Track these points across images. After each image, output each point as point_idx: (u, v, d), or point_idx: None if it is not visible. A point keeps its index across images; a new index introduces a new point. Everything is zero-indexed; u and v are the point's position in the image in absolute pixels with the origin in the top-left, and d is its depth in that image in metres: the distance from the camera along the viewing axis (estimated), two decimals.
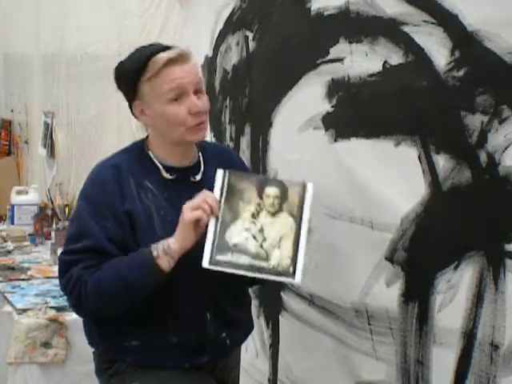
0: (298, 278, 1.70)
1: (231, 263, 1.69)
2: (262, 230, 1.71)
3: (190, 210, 1.72)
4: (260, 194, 1.72)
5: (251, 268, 1.70)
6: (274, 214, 1.72)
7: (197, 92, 1.84)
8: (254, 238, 1.71)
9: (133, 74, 1.84)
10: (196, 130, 1.84)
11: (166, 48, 1.85)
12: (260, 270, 1.70)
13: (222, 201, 1.71)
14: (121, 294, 1.77)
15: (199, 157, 1.95)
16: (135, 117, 1.91)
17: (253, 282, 2.06)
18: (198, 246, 1.77)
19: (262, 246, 1.70)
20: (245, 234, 1.70)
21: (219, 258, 1.69)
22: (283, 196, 1.73)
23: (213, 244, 1.71)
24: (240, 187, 1.70)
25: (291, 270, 1.70)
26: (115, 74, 1.90)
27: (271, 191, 1.72)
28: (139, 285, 1.76)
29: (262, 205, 1.71)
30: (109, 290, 1.76)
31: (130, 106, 1.90)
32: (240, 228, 1.71)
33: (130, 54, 1.90)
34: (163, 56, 1.81)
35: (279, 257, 1.70)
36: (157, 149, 1.90)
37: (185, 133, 1.83)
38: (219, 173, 1.70)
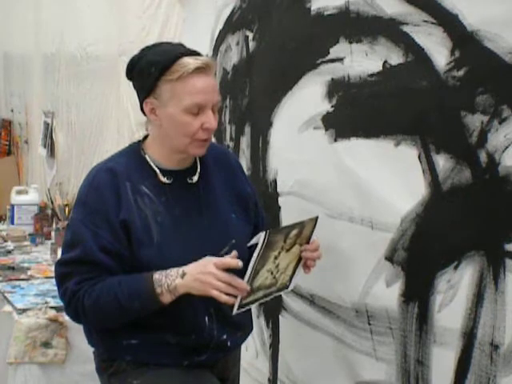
0: (291, 287, 1.90)
1: (252, 301, 1.79)
2: (278, 265, 1.79)
3: (213, 287, 1.68)
4: (285, 240, 1.76)
5: (265, 296, 1.83)
6: (289, 250, 1.79)
7: (214, 110, 1.81)
8: (271, 273, 1.78)
9: (156, 69, 1.76)
10: (199, 146, 1.82)
11: (193, 52, 1.81)
12: (270, 294, 1.84)
13: (259, 258, 1.72)
14: (119, 318, 1.79)
15: (196, 160, 1.93)
16: (143, 112, 1.86)
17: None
18: (198, 249, 1.78)
19: (274, 277, 1.80)
20: (266, 275, 1.77)
21: (244, 301, 1.75)
22: (300, 233, 1.79)
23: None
24: (274, 240, 1.72)
25: (288, 283, 1.88)
26: (131, 63, 1.84)
27: (293, 233, 1.77)
28: (138, 313, 1.77)
29: (284, 247, 1.77)
30: (107, 314, 1.78)
31: (141, 101, 1.84)
32: (264, 271, 1.76)
33: (152, 48, 1.84)
34: (191, 62, 1.76)
35: (283, 278, 1.84)
36: (155, 151, 1.87)
37: (189, 145, 1.80)
38: (262, 235, 1.69)
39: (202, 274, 1.70)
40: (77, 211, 1.84)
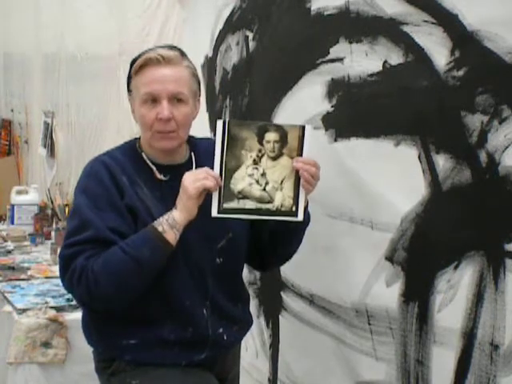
0: (300, 216, 1.80)
1: (238, 209, 1.77)
2: (264, 175, 1.77)
3: (193, 183, 1.72)
4: (260, 141, 1.76)
5: (257, 211, 1.79)
6: (274, 159, 1.77)
7: (178, 100, 1.81)
8: (257, 182, 1.77)
9: (129, 69, 1.86)
10: (161, 138, 1.82)
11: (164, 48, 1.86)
12: (265, 212, 1.79)
13: (225, 150, 1.74)
14: (131, 272, 1.73)
15: (191, 154, 1.94)
16: None
17: (257, 265, 2.08)
18: (195, 241, 1.81)
19: (265, 189, 1.77)
20: (248, 180, 1.76)
21: (226, 205, 1.76)
22: (283, 140, 1.77)
23: (219, 194, 1.76)
24: (241, 136, 1.74)
25: (294, 208, 1.79)
26: None
27: (271, 136, 1.76)
28: (149, 261, 1.73)
29: (262, 150, 1.76)
30: (118, 270, 1.72)
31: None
32: (243, 174, 1.76)
33: None
34: (144, 55, 1.82)
35: (282, 197, 1.79)
36: (146, 147, 1.89)
37: (151, 137, 1.82)
38: (219, 123, 1.72)
39: (186, 188, 1.73)
40: (79, 199, 1.82)
